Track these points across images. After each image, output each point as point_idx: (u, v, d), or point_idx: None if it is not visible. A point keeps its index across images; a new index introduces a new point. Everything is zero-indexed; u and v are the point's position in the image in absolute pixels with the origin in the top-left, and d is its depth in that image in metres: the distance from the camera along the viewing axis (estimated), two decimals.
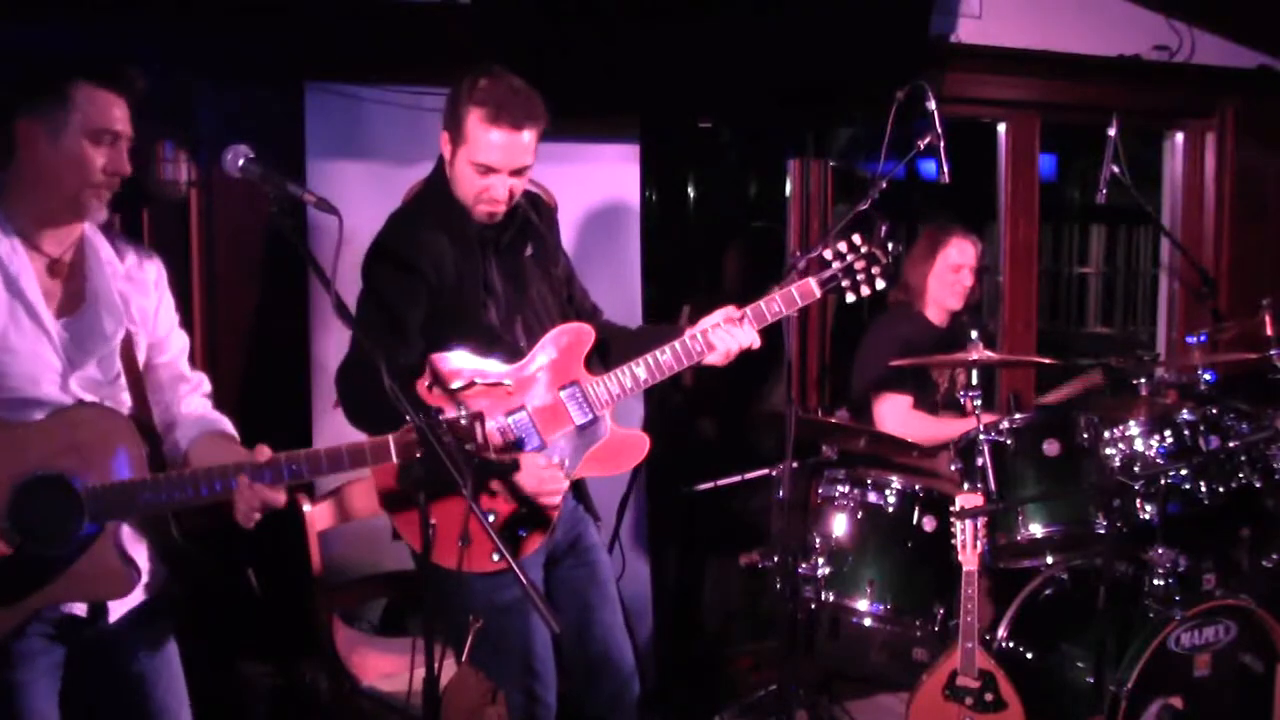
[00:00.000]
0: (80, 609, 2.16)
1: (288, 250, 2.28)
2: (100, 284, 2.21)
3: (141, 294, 2.28)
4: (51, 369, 2.12)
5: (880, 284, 2.77)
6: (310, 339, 3.59)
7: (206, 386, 2.41)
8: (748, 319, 2.73)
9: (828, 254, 2.76)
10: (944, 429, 3.81)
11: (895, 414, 3.88)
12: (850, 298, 2.76)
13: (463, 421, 2.18)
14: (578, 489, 2.86)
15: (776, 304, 2.75)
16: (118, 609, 2.22)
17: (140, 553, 2.23)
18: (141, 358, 2.26)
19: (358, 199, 3.52)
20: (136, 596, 2.23)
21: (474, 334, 2.64)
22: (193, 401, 2.37)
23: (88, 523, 2.08)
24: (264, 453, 2.13)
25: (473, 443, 2.19)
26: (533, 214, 2.80)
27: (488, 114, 2.55)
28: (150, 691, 2.29)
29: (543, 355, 2.67)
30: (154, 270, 2.32)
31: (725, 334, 2.70)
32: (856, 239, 2.76)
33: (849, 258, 2.76)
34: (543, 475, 2.58)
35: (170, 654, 2.34)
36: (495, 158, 2.57)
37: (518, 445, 2.58)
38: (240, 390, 3.53)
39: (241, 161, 2.14)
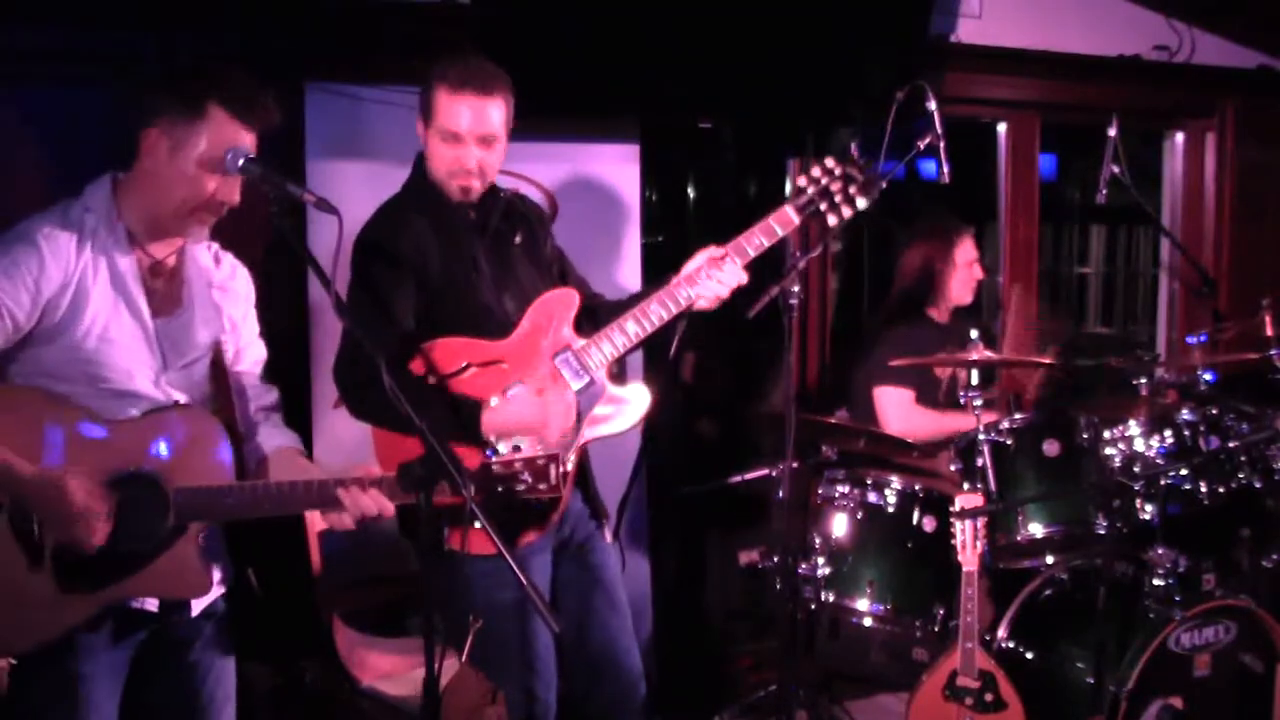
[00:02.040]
0: (152, 604, 2.20)
1: (288, 250, 2.28)
2: (198, 290, 2.29)
3: (233, 303, 2.36)
4: (147, 365, 2.19)
5: (862, 203, 2.73)
6: (310, 339, 3.59)
7: (275, 398, 2.47)
8: (730, 257, 2.71)
9: (802, 181, 2.74)
10: (946, 423, 3.80)
11: (898, 408, 3.86)
12: (832, 220, 2.73)
13: (540, 461, 2.21)
14: (585, 488, 2.85)
15: (757, 237, 2.73)
16: (196, 605, 2.28)
17: (218, 554, 2.30)
18: (228, 364, 2.34)
19: (358, 199, 3.50)
20: (212, 594, 2.28)
21: (466, 313, 2.65)
22: (265, 412, 2.43)
23: (172, 522, 2.12)
24: (373, 472, 2.20)
25: (546, 483, 2.21)
26: (521, 207, 2.83)
27: (451, 84, 2.61)
28: (202, 681, 2.33)
29: (531, 326, 2.67)
30: (245, 281, 2.41)
31: (710, 278, 2.69)
32: (830, 161, 2.73)
33: (823, 181, 2.73)
34: (539, 408, 2.54)
35: (226, 646, 2.39)
36: (461, 123, 2.60)
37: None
38: None
39: (241, 161, 2.15)
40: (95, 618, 2.12)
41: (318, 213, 2.12)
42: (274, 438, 2.40)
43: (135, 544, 2.11)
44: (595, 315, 2.83)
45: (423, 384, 2.56)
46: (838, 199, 2.73)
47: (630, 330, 2.67)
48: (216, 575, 2.27)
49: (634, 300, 2.79)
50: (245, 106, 2.16)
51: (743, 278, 2.70)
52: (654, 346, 2.86)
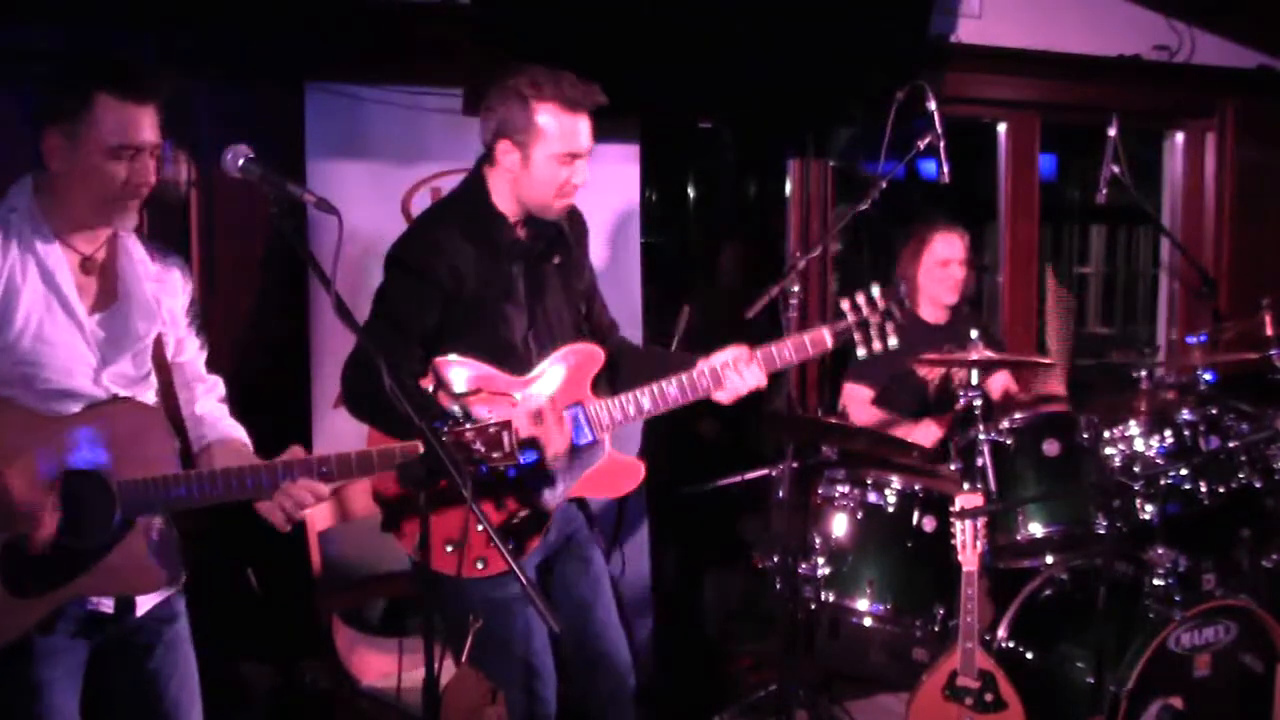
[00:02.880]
0: (107, 605, 2.18)
1: (288, 250, 2.28)
2: (133, 283, 2.25)
3: (171, 295, 2.33)
4: (85, 362, 2.16)
5: (893, 341, 2.72)
6: (310, 339, 3.59)
7: (221, 390, 2.44)
8: (757, 362, 2.69)
9: (845, 304, 2.72)
10: (889, 427, 3.84)
11: (855, 404, 3.94)
12: (861, 352, 2.72)
13: (491, 429, 2.19)
14: (583, 504, 2.86)
15: (788, 350, 2.72)
16: (143, 604, 2.25)
17: (167, 548, 2.26)
18: (169, 356, 2.31)
19: (358, 199, 3.53)
20: (160, 592, 2.26)
21: (489, 344, 2.62)
22: (209, 403, 2.40)
23: (120, 517, 2.10)
24: (297, 451, 2.19)
25: (500, 451, 2.19)
26: (566, 225, 2.79)
27: (563, 104, 2.58)
28: (164, 687, 2.31)
29: (551, 372, 2.65)
30: (181, 272, 2.37)
31: (735, 374, 2.67)
32: (876, 293, 2.72)
33: (865, 311, 2.71)
34: (533, 429, 2.53)
35: (186, 650, 2.36)
36: (582, 142, 2.60)
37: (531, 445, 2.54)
38: (240, 390, 3.52)
39: (241, 161, 2.14)
40: (49, 619, 2.10)
41: (318, 213, 2.12)
42: (219, 428, 2.37)
43: (84, 541, 2.09)
44: (614, 366, 2.81)
45: (423, 390, 2.56)
46: (873, 332, 2.72)
47: (644, 405, 2.66)
48: (167, 573, 2.23)
49: (652, 361, 2.79)
50: (131, 85, 2.11)
51: (763, 382, 2.70)
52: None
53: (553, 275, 2.75)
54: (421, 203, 3.69)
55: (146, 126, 2.14)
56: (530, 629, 2.62)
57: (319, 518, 3.02)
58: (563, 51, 3.44)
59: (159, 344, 2.28)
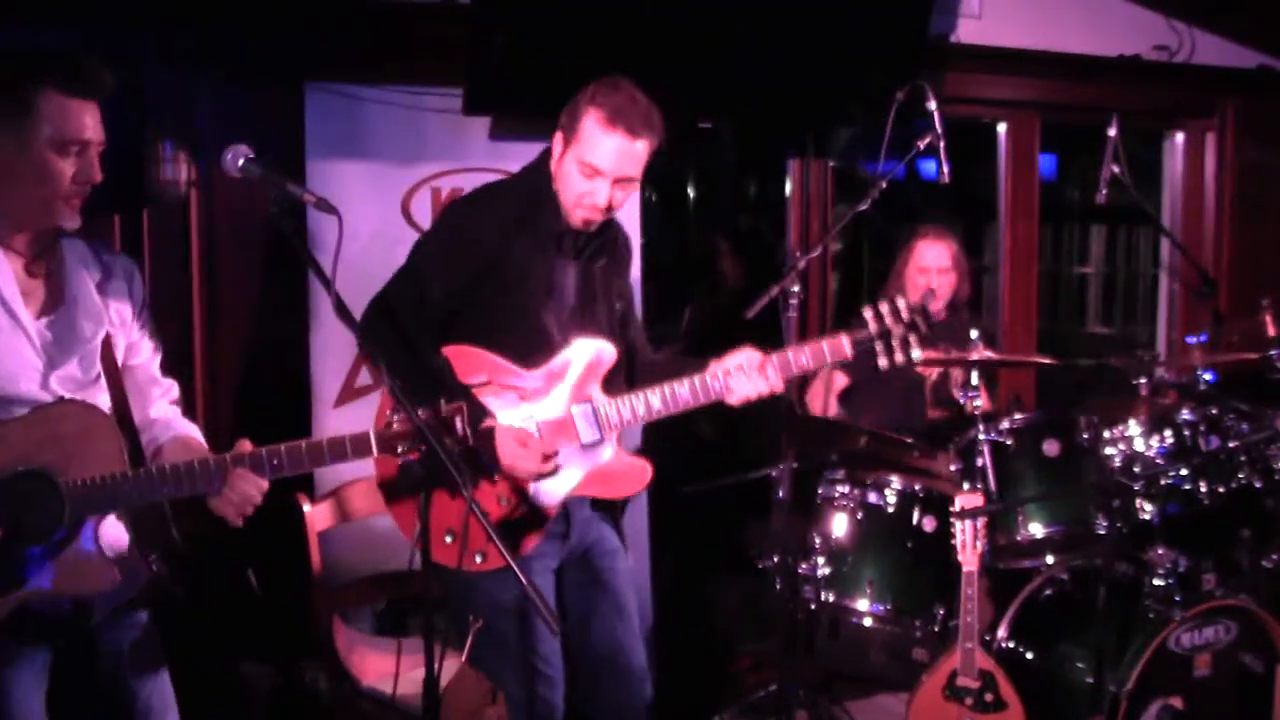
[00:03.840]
0: (65, 605, 2.16)
1: (288, 250, 2.28)
2: (78, 285, 2.22)
3: (119, 297, 2.29)
4: (31, 367, 2.13)
5: (916, 354, 2.62)
6: (310, 339, 3.59)
7: (176, 393, 2.42)
8: (772, 367, 2.62)
9: (867, 314, 2.63)
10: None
11: (823, 387, 3.99)
12: (882, 363, 2.62)
13: (445, 414, 2.17)
14: (602, 505, 2.84)
15: (805, 356, 2.64)
16: (102, 607, 2.23)
17: (121, 549, 2.23)
18: (119, 359, 2.27)
19: (358, 199, 3.53)
20: (120, 594, 2.23)
21: (521, 332, 2.61)
22: (163, 406, 2.38)
23: (69, 517, 2.08)
24: (245, 445, 2.16)
25: (452, 435, 2.17)
26: (617, 238, 2.80)
27: (605, 116, 2.54)
28: (136, 692, 2.30)
29: (560, 369, 2.63)
30: (131, 274, 2.33)
31: (746, 380, 2.61)
32: (901, 304, 2.62)
33: (887, 321, 2.61)
34: (514, 447, 2.53)
35: (155, 654, 2.34)
36: (604, 161, 2.55)
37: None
38: (240, 390, 3.53)
39: (241, 161, 2.14)
40: (6, 621, 2.08)
41: (318, 213, 2.12)
42: (171, 428, 2.35)
43: (35, 543, 2.07)
44: (632, 372, 2.79)
45: (443, 365, 2.55)
46: (895, 343, 2.62)
47: (654, 405, 2.61)
48: (120, 573, 2.20)
49: (671, 368, 2.74)
50: (75, 80, 2.08)
51: (778, 387, 2.63)
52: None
53: (600, 278, 2.74)
54: (421, 202, 3.70)
55: (91, 122, 2.11)
56: (534, 632, 2.61)
57: (319, 518, 3.02)
58: (563, 51, 3.46)
59: (108, 346, 2.24)
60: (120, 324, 2.28)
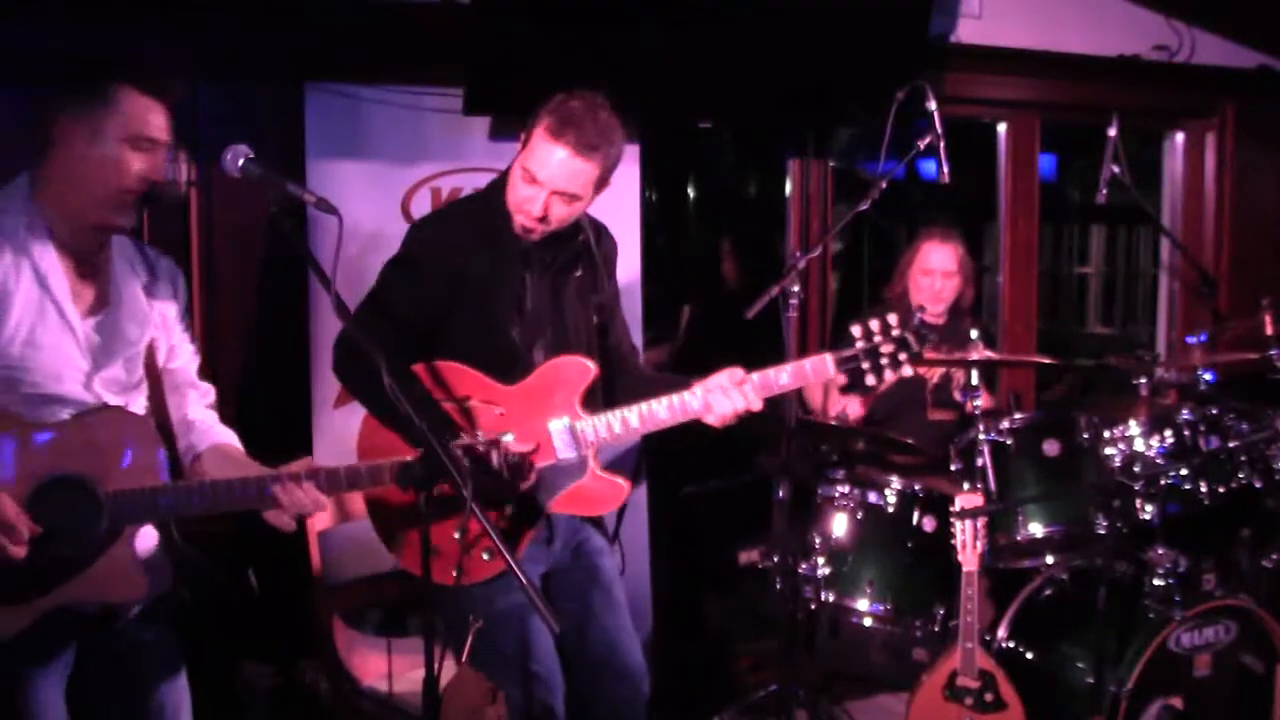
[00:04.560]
0: (94, 611, 2.17)
1: (288, 250, 2.28)
2: (126, 287, 2.24)
3: (164, 299, 2.31)
4: (76, 367, 2.14)
5: (907, 370, 2.56)
6: (310, 339, 3.59)
7: (212, 397, 2.43)
8: (751, 386, 2.58)
9: (855, 330, 2.57)
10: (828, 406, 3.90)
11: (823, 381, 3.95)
12: (870, 380, 2.56)
13: (480, 448, 2.20)
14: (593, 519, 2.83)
15: (786, 376, 2.58)
16: (129, 610, 2.24)
17: (154, 558, 2.26)
18: (160, 361, 2.29)
19: (358, 199, 3.53)
20: (148, 597, 2.24)
21: (491, 348, 2.60)
22: (201, 410, 2.39)
23: (105, 525, 2.09)
24: (295, 468, 2.18)
25: (488, 469, 2.20)
26: (593, 241, 2.76)
27: (553, 125, 2.51)
28: (150, 688, 2.30)
29: (538, 384, 2.61)
30: (175, 275, 2.36)
31: (725, 399, 2.57)
32: (892, 320, 2.54)
33: (877, 339, 2.54)
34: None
35: (172, 652, 2.35)
36: (543, 171, 2.51)
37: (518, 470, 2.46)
38: (240, 390, 3.53)
39: (241, 161, 2.14)
40: (35, 623, 2.08)
41: (318, 213, 2.12)
42: (209, 435, 2.35)
43: (70, 549, 2.07)
44: (613, 387, 2.76)
45: (422, 388, 2.56)
46: (883, 361, 2.54)
47: (632, 423, 2.58)
48: (154, 578, 2.21)
49: (654, 385, 2.69)
50: (151, 80, 2.13)
51: (756, 405, 2.58)
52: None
53: (574, 289, 2.72)
54: (421, 202, 3.70)
55: (163, 123, 2.15)
56: (530, 636, 2.60)
57: (319, 518, 3.02)
58: (563, 51, 3.47)
59: (150, 349, 2.26)
60: (163, 326, 2.30)
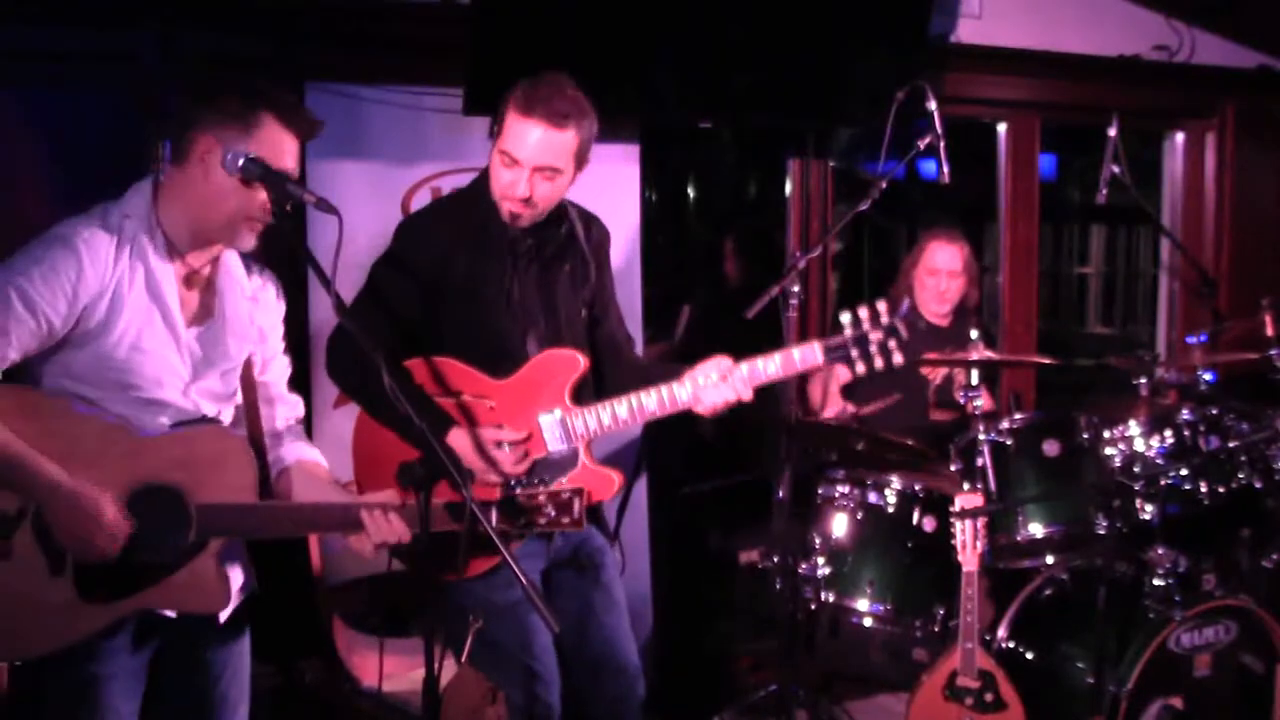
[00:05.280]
0: (171, 612, 2.20)
1: (288, 250, 2.28)
2: (230, 300, 2.28)
3: (264, 313, 2.36)
4: (177, 375, 2.18)
5: (897, 358, 2.56)
6: (310, 339, 3.59)
7: (301, 410, 2.46)
8: (740, 376, 2.58)
9: (844, 318, 2.57)
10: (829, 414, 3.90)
11: (824, 379, 3.96)
12: (860, 368, 2.56)
13: (565, 495, 2.24)
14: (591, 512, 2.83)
15: (774, 365, 2.58)
16: (208, 618, 2.26)
17: (236, 566, 2.29)
18: (256, 374, 2.33)
19: (358, 199, 3.53)
20: (231, 603, 2.27)
21: (481, 342, 2.61)
22: (289, 424, 2.43)
23: (193, 537, 2.12)
24: (378, 497, 2.23)
25: (569, 516, 2.24)
26: (581, 231, 2.76)
27: (522, 104, 2.52)
28: (215, 677, 2.33)
29: (528, 377, 2.62)
30: (275, 291, 2.40)
31: (714, 389, 2.58)
32: (880, 308, 2.54)
33: (866, 327, 2.54)
34: (480, 460, 2.53)
35: (242, 647, 2.38)
36: (521, 150, 2.51)
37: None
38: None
39: (241, 161, 2.14)
40: (114, 626, 2.12)
41: (318, 213, 2.12)
42: (297, 450, 2.39)
43: (155, 556, 2.11)
44: (603, 378, 2.77)
45: (417, 385, 2.56)
46: (872, 349, 2.54)
47: (621, 415, 2.59)
48: (236, 585, 2.26)
49: (648, 376, 2.68)
50: (295, 114, 2.17)
51: (746, 396, 2.58)
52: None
53: (565, 281, 2.72)
54: (422, 202, 3.69)
55: (294, 161, 2.17)
56: (529, 633, 2.61)
57: None
58: (563, 51, 3.46)
59: (248, 362, 2.31)
60: (261, 338, 2.34)
